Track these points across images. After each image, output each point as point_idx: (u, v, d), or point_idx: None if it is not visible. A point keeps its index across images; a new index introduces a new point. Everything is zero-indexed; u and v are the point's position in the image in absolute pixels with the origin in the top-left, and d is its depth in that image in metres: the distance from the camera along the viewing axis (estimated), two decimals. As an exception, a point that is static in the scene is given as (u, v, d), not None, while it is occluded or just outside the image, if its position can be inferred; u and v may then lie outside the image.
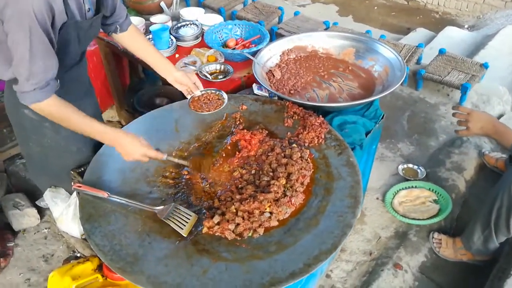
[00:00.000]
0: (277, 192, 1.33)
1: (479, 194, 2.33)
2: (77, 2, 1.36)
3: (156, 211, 1.29)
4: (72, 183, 1.40)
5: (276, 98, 1.78)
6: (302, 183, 1.39)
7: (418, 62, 3.26)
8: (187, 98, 1.69)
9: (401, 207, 2.22)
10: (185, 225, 1.25)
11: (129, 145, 1.38)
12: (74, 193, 1.63)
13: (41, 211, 2.22)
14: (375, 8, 5.95)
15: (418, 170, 2.46)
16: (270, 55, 2.00)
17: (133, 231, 1.26)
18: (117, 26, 1.63)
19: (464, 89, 2.82)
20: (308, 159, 1.48)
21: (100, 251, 1.19)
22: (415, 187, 2.33)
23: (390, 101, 3.04)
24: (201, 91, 1.69)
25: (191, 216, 1.29)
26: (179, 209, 1.30)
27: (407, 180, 2.40)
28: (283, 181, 1.38)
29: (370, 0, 6.10)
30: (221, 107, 1.65)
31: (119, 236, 1.24)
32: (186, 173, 1.48)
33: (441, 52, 3.14)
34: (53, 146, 1.63)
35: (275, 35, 3.66)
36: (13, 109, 1.56)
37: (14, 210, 2.08)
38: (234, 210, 1.29)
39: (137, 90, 2.70)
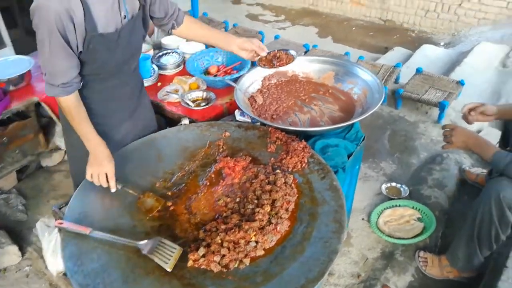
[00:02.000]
0: (262, 220, 1.33)
1: (462, 210, 2.37)
2: (109, 12, 1.42)
3: (139, 246, 1.27)
4: (54, 220, 1.37)
5: (259, 123, 1.80)
6: (287, 210, 1.39)
7: (396, 81, 3.34)
8: (180, 123, 1.75)
9: (387, 227, 2.24)
10: (169, 259, 1.22)
11: (104, 158, 1.47)
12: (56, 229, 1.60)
13: (23, 248, 2.16)
14: (353, 29, 6.11)
15: (401, 189, 2.49)
16: (251, 80, 2.02)
17: (117, 268, 1.23)
18: (174, 22, 1.70)
19: (442, 106, 2.89)
20: (292, 185, 1.49)
21: (82, 291, 1.16)
22: (399, 205, 2.35)
23: (371, 121, 3.10)
24: (267, 52, 1.76)
25: (175, 249, 1.27)
26: (164, 243, 1.28)
27: (391, 199, 2.42)
28: (268, 208, 1.37)
29: (348, 21, 6.26)
30: (293, 61, 1.76)
31: (102, 274, 1.21)
32: (170, 204, 1.47)
33: (418, 71, 3.23)
34: (80, 146, 1.62)
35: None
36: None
37: (-6, 248, 2.02)
38: (220, 241, 1.28)
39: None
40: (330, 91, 2.02)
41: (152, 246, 1.27)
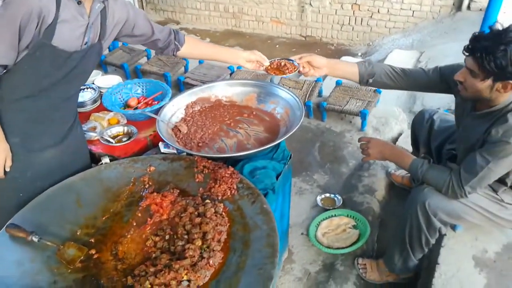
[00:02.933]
0: (193, 256, 1.28)
1: (393, 212, 2.48)
2: (74, 33, 1.41)
3: (61, 304, 1.17)
4: None
5: (185, 154, 1.76)
6: (219, 241, 1.36)
7: (319, 94, 3.47)
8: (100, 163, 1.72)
9: (325, 238, 2.27)
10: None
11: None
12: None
13: None
14: (277, 46, 6.31)
15: (335, 199, 2.56)
16: (174, 110, 1.98)
17: (35, 333, 1.12)
18: (175, 43, 1.76)
19: (363, 115, 3.04)
20: (223, 213, 1.46)
21: None
22: (335, 215, 2.41)
23: (300, 135, 3.17)
24: (270, 61, 1.93)
25: None
26: (88, 297, 1.19)
27: (326, 209, 2.48)
28: (199, 242, 1.33)
29: (271, 39, 6.46)
30: (298, 69, 1.89)
31: None
32: (94, 251, 1.37)
33: (338, 83, 3.39)
34: None
35: (182, 85, 3.68)
36: None
37: None
38: (149, 286, 1.21)
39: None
40: (254, 112, 2.04)
41: (75, 302, 1.17)
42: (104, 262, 1.34)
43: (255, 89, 2.08)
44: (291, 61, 1.92)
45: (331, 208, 2.49)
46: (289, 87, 3.53)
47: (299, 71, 1.93)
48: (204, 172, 1.64)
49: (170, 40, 1.75)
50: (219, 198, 1.52)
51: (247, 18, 6.50)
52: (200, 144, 1.83)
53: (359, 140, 1.99)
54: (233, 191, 1.54)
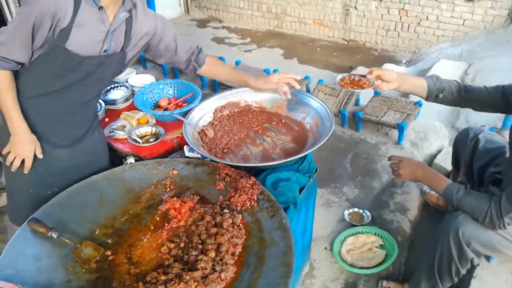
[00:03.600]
0: (205, 268, 1.25)
1: (425, 234, 2.35)
2: (91, 39, 1.42)
3: (70, 305, 1.17)
4: None
5: (209, 159, 1.73)
6: (233, 254, 1.32)
7: (356, 103, 3.36)
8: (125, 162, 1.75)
9: (349, 256, 2.19)
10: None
11: (22, 145, 1.52)
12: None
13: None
14: (318, 49, 6.19)
15: (364, 214, 2.46)
16: (202, 113, 1.97)
17: (43, 331, 1.13)
18: (193, 64, 1.77)
19: (400, 128, 2.91)
20: (241, 225, 1.42)
21: None
22: (362, 232, 2.31)
23: (332, 144, 3.08)
24: (341, 76, 1.90)
25: None
26: (97, 300, 1.19)
27: (354, 225, 2.39)
28: (213, 254, 1.30)
29: (312, 42, 6.35)
30: (373, 85, 1.81)
31: None
32: (110, 253, 1.37)
33: (376, 93, 3.26)
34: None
35: (217, 86, 3.69)
36: None
37: None
38: (158, 295, 1.19)
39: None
40: (283, 120, 1.99)
41: (84, 304, 1.17)
42: (118, 264, 1.34)
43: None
44: (364, 77, 1.87)
45: (358, 224, 2.39)
46: (325, 94, 3.44)
47: (375, 87, 1.87)
48: (226, 180, 1.61)
49: (190, 60, 1.76)
50: (238, 208, 1.48)
51: (289, 19, 6.42)
52: (225, 150, 1.81)
53: (389, 158, 1.89)
54: (253, 203, 1.50)
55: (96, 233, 1.44)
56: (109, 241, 1.41)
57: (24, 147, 1.53)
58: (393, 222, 2.38)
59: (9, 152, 1.55)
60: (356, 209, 2.49)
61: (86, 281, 1.28)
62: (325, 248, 2.29)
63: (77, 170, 1.66)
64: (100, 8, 1.40)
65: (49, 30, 1.34)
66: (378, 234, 2.28)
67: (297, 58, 5.77)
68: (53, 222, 1.42)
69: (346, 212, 2.47)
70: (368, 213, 2.45)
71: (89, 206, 1.54)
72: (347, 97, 3.23)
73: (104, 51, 1.47)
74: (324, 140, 1.70)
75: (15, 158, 1.55)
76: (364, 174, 2.81)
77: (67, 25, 1.34)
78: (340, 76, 1.91)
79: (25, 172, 1.58)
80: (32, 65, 1.43)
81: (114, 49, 1.50)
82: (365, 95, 3.45)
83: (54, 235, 1.38)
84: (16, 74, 1.47)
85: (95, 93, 1.64)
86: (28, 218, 1.42)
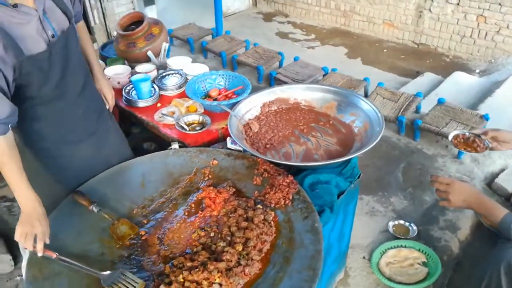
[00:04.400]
0: (230, 261, 1.26)
1: (474, 256, 2.18)
2: (33, 34, 1.34)
3: (100, 277, 1.23)
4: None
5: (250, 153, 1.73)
6: (260, 250, 1.31)
7: (417, 110, 3.18)
8: (170, 147, 1.76)
9: (388, 269, 2.09)
10: (128, 294, 1.18)
11: (36, 218, 1.30)
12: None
13: (17, 258, 2.18)
14: (385, 50, 5.95)
15: (410, 228, 2.33)
16: (250, 107, 1.97)
17: (74, 298, 1.20)
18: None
19: (462, 141, 2.70)
20: (272, 223, 1.41)
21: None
22: (405, 246, 2.20)
23: (385, 151, 2.95)
24: (454, 134, 1.80)
25: (137, 283, 1.22)
26: (126, 275, 1.23)
27: (397, 238, 2.27)
28: (240, 247, 1.30)
29: (380, 43, 6.11)
30: (488, 147, 1.72)
31: (58, 303, 1.18)
32: (143, 233, 1.42)
33: (440, 102, 3.06)
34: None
35: (273, 80, 3.67)
36: None
37: (-12, 255, 2.06)
38: (182, 280, 1.22)
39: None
40: (331, 122, 1.93)
41: (114, 278, 1.22)
42: (150, 245, 1.38)
43: (337, 97, 1.97)
44: (478, 137, 1.77)
45: (402, 237, 2.27)
46: (384, 98, 3.30)
47: (490, 149, 1.77)
48: (263, 175, 1.60)
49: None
50: (272, 205, 1.47)
51: (357, 18, 6.23)
52: (267, 146, 1.79)
53: (433, 178, 1.72)
54: (287, 201, 1.47)
55: (134, 212, 1.50)
56: (145, 221, 1.46)
57: (34, 226, 1.29)
58: (440, 240, 2.23)
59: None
60: (402, 222, 2.37)
61: (118, 256, 1.34)
62: (363, 258, 2.21)
63: (104, 163, 1.67)
64: (15, 5, 1.29)
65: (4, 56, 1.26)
66: (422, 251, 2.15)
67: (361, 58, 5.59)
68: (96, 197, 1.50)
69: (391, 223, 2.36)
70: (415, 227, 2.32)
71: (131, 186, 1.60)
72: (407, 103, 3.07)
73: (53, 37, 1.41)
74: (372, 146, 1.63)
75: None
76: (415, 186, 2.66)
77: (6, 41, 1.25)
78: (453, 133, 1.81)
79: (39, 255, 1.27)
80: (15, 91, 1.36)
81: (60, 29, 1.44)
82: (427, 103, 3.26)
83: (95, 209, 1.45)
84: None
85: (82, 74, 1.61)
86: (74, 190, 1.51)
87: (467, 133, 1.78)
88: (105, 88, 1.90)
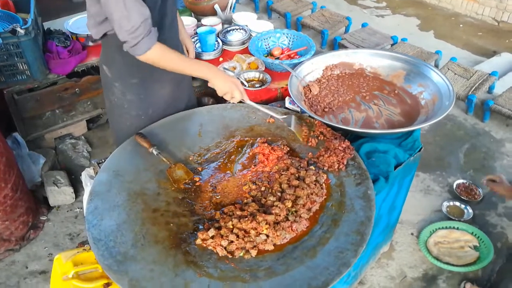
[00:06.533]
0: (279, 215, 1.28)
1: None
2: None
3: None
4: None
5: (307, 114, 1.71)
6: (309, 209, 1.32)
7: (489, 90, 2.96)
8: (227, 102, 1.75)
9: (436, 248, 2.03)
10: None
11: (220, 82, 1.52)
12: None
13: (78, 191, 2.36)
14: (461, 26, 5.52)
15: (465, 210, 2.23)
16: (312, 68, 1.92)
17: (130, 230, 1.27)
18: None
19: (537, 128, 2.50)
20: (323, 185, 1.40)
21: (94, 245, 1.23)
22: (457, 228, 2.11)
23: (450, 130, 2.80)
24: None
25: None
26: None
27: (450, 219, 2.19)
28: (289, 204, 1.32)
29: (456, 17, 5.68)
30: None
31: (116, 233, 1.26)
32: (198, 179, 1.47)
33: (518, 83, 2.82)
34: (118, 105, 1.70)
35: (337, 45, 3.55)
36: (100, 65, 1.70)
37: (53, 187, 2.23)
38: (231, 226, 1.26)
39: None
40: (396, 91, 1.85)
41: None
42: (203, 191, 1.43)
43: (406, 66, 1.87)
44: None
45: (456, 219, 2.18)
46: (455, 74, 3.09)
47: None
48: (319, 138, 1.58)
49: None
50: (325, 168, 1.46)
51: (435, -12, 5.79)
52: (326, 109, 1.76)
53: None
54: (341, 166, 1.45)
55: (190, 159, 1.55)
56: (199, 169, 1.51)
57: (224, 84, 1.52)
58: (496, 226, 2.12)
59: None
60: (457, 203, 2.27)
61: (173, 198, 1.40)
62: (411, 234, 2.16)
63: (175, 107, 1.75)
64: None
65: None
66: (475, 234, 2.06)
67: (433, 31, 5.23)
68: (156, 141, 1.56)
69: (446, 204, 2.27)
70: (470, 210, 2.21)
71: (189, 133, 1.65)
72: (480, 81, 2.86)
73: None
74: (437, 120, 1.55)
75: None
76: (477, 169, 2.52)
77: None
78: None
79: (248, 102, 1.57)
80: None
81: None
82: (502, 83, 3.02)
83: (154, 152, 1.52)
84: None
85: (173, 9, 1.62)
86: (136, 132, 1.58)
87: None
88: (188, 39, 1.92)
